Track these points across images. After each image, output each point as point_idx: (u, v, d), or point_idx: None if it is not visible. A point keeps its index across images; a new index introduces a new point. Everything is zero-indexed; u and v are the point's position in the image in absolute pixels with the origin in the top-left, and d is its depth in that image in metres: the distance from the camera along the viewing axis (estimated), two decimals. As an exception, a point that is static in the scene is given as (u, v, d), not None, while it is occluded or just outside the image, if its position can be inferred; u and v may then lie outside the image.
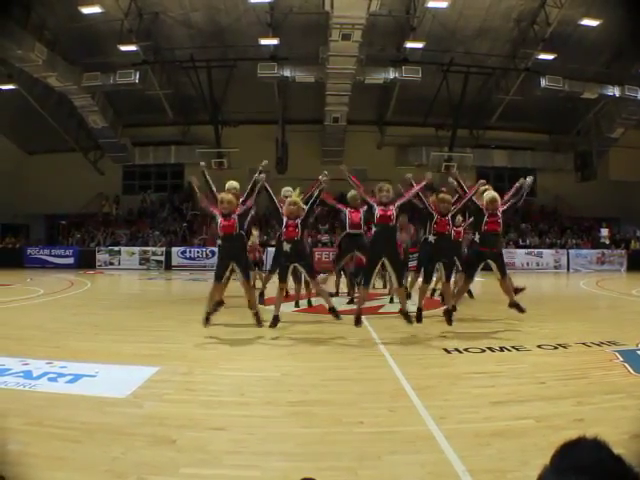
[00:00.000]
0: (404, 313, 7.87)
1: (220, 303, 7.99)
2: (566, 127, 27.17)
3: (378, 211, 7.49)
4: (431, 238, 8.35)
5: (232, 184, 9.10)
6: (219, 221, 7.86)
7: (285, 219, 7.91)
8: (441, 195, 8.42)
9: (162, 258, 23.75)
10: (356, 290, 10.89)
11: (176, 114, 26.15)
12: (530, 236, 26.18)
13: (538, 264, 23.87)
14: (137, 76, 22.42)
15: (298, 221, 7.90)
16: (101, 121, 24.85)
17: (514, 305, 8.45)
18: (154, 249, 24.12)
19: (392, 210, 7.48)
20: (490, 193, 8.45)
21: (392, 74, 22.83)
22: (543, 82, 22.92)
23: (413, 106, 24.71)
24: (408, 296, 11.32)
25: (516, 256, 23.70)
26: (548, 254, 24.19)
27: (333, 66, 21.29)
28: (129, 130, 26.63)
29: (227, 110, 25.30)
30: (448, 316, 8.08)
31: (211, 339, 7.71)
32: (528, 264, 23.77)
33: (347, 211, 9.99)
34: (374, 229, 7.54)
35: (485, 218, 8.24)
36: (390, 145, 27.41)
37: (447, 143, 26.02)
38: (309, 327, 8.15)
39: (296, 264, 7.88)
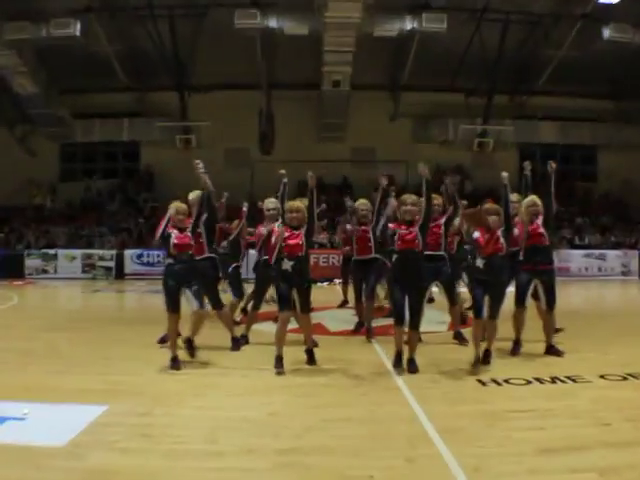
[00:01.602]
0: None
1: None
2: (637, 91, 27.12)
3: (399, 234, 7.50)
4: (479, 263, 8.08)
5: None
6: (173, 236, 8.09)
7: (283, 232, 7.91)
8: (487, 206, 8.19)
9: (112, 264, 23.67)
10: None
11: (130, 77, 26.06)
12: (589, 233, 26.19)
13: (600, 269, 23.87)
14: (78, 27, 22.24)
15: (302, 231, 7.84)
16: (31, 86, 24.67)
17: (552, 349, 8.46)
18: (101, 252, 24.04)
19: (415, 232, 7.47)
20: (530, 197, 8.51)
21: (409, 24, 22.76)
22: (606, 32, 22.82)
23: (436, 66, 24.65)
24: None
25: (572, 259, 23.68)
26: (613, 256, 24.16)
27: (332, 14, 21.19)
28: (68, 98, 26.51)
29: (196, 72, 25.22)
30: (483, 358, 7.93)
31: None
32: (587, 269, 23.77)
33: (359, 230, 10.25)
34: (395, 256, 7.57)
35: (526, 228, 8.34)
36: (406, 116, 27.37)
37: (481, 113, 25.97)
38: (304, 352, 8.13)
39: (296, 289, 7.75)
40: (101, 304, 16.67)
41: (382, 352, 8.61)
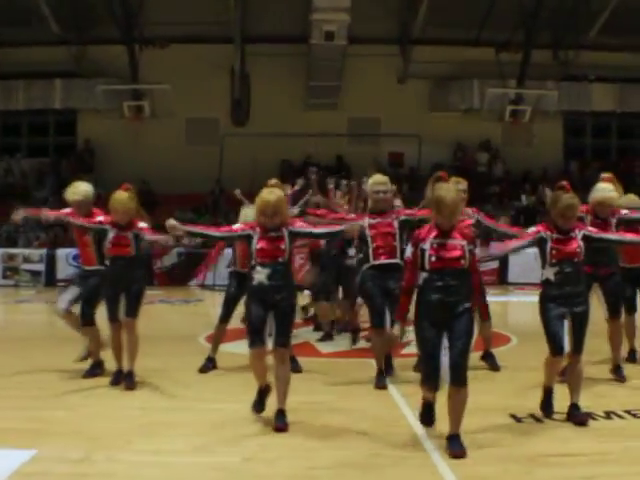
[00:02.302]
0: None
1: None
2: None
3: (433, 245, 6.22)
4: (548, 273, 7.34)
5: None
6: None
7: (257, 232, 6.96)
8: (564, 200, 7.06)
9: (41, 267, 23.58)
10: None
11: (64, 27, 25.92)
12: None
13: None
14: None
15: (284, 232, 6.97)
16: None
17: (617, 371, 8.62)
18: (27, 252, 23.96)
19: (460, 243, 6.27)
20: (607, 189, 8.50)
21: (423, -42, 22.81)
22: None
23: (458, 13, 24.68)
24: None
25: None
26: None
27: (325, -54, 21.28)
28: (-17, 53, 26.46)
29: (149, 21, 25.15)
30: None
31: (123, 400, 7.66)
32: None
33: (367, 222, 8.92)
34: (424, 276, 6.26)
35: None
36: (420, 77, 27.34)
37: (515, 73, 25.98)
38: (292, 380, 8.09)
39: (273, 311, 6.90)
40: (27, 319, 16.61)
41: (387, 378, 8.61)
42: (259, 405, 7.10)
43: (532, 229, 7.16)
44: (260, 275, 6.80)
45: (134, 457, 5.84)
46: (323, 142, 26.53)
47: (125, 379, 8.30)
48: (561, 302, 6.83)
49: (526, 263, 21.62)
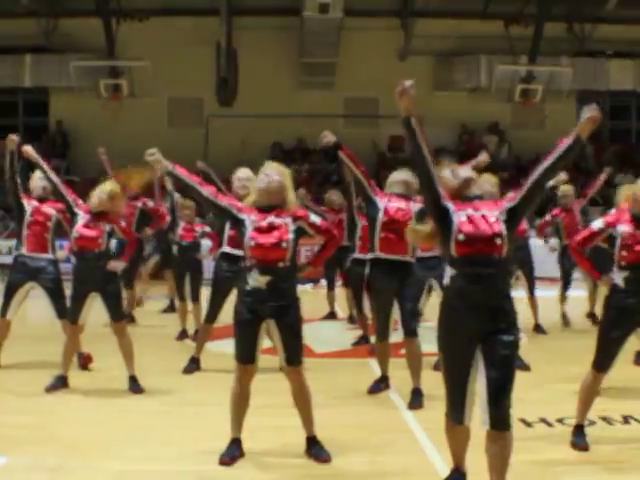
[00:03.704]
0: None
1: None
2: None
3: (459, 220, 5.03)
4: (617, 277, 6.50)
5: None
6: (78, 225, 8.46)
7: (251, 220, 6.12)
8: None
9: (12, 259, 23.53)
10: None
11: (34, -2, 25.92)
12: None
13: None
14: None
15: (288, 220, 6.16)
16: None
17: None
18: (-5, 244, 23.94)
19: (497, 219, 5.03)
20: None
21: None
22: None
23: (465, -18, 24.67)
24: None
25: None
26: None
27: None
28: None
29: (127, -10, 25.10)
30: None
31: (101, 404, 7.65)
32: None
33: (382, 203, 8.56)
34: (452, 275, 5.04)
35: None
36: (422, 54, 27.21)
37: (526, 49, 25.92)
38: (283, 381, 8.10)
39: (271, 321, 6.10)
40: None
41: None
42: (231, 453, 6.08)
43: (599, 222, 6.49)
44: (258, 281, 5.99)
45: (113, 465, 5.84)
46: (317, 124, 26.24)
47: (131, 385, 8.34)
48: (629, 314, 6.22)
49: (538, 256, 21.72)
